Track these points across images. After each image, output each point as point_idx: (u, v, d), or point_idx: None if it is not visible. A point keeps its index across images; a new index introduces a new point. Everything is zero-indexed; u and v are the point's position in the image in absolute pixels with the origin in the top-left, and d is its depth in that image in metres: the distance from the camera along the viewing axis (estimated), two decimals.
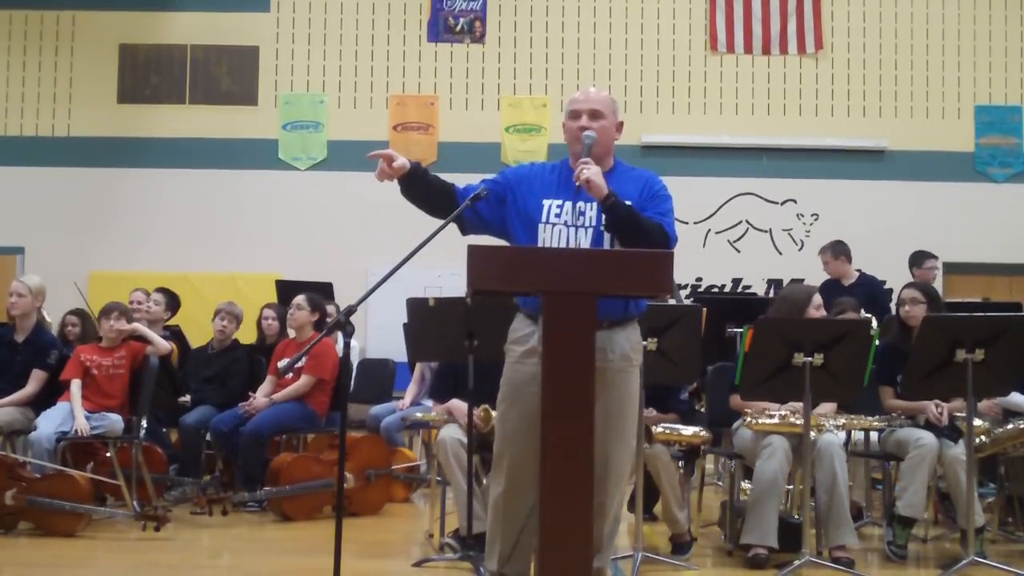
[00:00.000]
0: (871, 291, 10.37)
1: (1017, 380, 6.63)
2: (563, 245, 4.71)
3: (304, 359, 8.29)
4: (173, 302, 9.60)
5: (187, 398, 8.88)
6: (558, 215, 4.77)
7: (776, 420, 6.59)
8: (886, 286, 12.86)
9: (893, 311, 8.57)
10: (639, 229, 4.57)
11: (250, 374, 9.00)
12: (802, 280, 11.02)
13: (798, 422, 6.50)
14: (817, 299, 6.87)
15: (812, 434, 6.44)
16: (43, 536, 7.22)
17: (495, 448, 4.82)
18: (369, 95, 13.89)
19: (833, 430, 6.61)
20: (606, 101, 4.90)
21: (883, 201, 13.53)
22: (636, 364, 4.76)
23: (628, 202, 4.64)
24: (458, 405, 6.75)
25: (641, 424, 6.20)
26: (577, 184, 4.57)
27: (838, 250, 10.89)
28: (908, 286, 7.54)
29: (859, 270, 10.91)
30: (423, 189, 4.86)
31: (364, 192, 13.27)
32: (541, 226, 4.78)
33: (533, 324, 4.68)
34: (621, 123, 4.96)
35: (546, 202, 4.80)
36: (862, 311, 8.87)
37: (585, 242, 4.70)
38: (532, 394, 4.40)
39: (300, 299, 8.73)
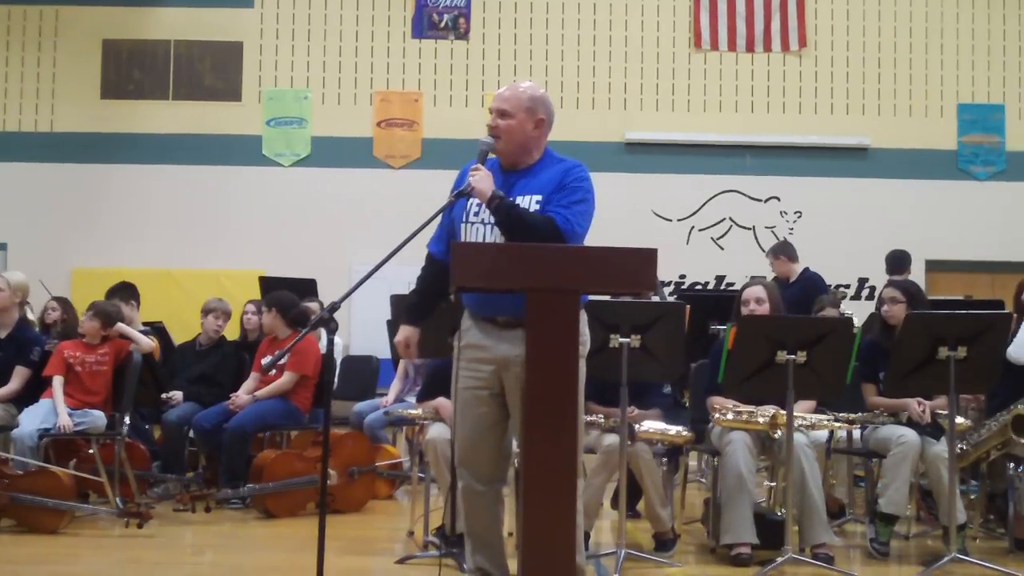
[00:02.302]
0: (806, 287, 10.50)
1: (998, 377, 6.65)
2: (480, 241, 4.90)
3: (287, 356, 8.27)
4: (126, 293, 9.43)
5: (172, 394, 8.84)
6: (476, 213, 4.94)
7: (742, 417, 6.60)
8: (868, 283, 12.94)
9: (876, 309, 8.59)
10: (523, 226, 4.73)
11: (238, 371, 8.99)
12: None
13: (760, 420, 6.53)
14: (749, 293, 6.98)
15: (779, 434, 6.46)
16: (25, 533, 7.20)
17: None
18: (353, 91, 13.87)
19: (803, 430, 6.60)
20: (516, 99, 4.96)
21: (866, 198, 13.56)
22: None
23: (523, 200, 4.84)
24: (445, 403, 6.75)
25: (624, 420, 6.21)
26: (468, 190, 4.83)
27: (777, 250, 11.19)
28: (888, 285, 7.58)
29: (806, 268, 10.96)
30: (435, 301, 5.16)
31: (348, 188, 13.36)
32: (463, 225, 4.97)
33: (469, 320, 4.92)
34: (541, 119, 4.97)
35: (469, 201, 4.95)
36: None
37: (500, 239, 4.82)
38: (462, 389, 4.87)
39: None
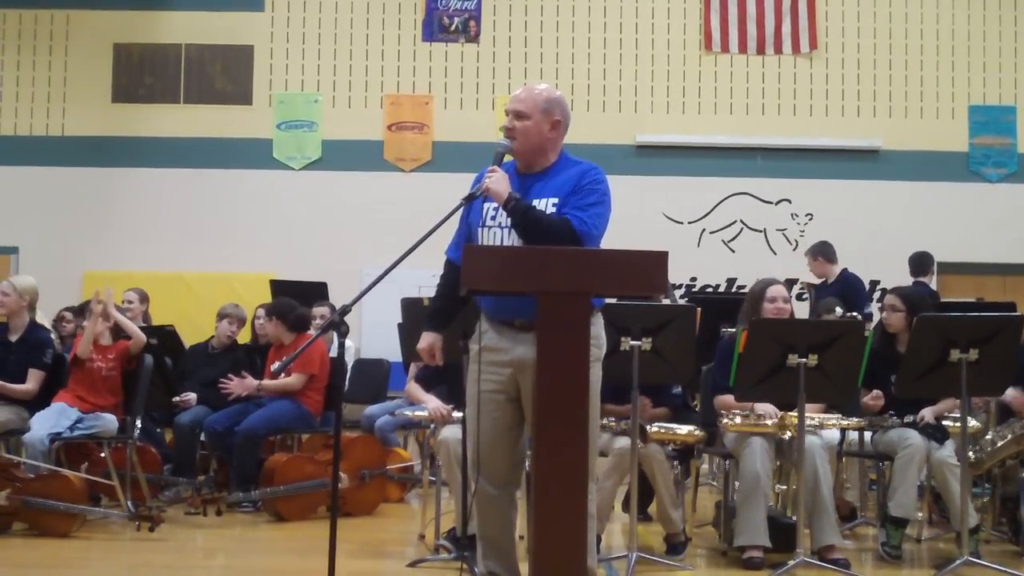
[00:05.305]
0: (844, 288, 10.61)
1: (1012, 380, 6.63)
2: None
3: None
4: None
5: (186, 396, 8.83)
6: (494, 217, 4.93)
7: (750, 420, 6.58)
8: (880, 286, 12.90)
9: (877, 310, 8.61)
10: (539, 228, 4.72)
11: (250, 374, 8.99)
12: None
13: (768, 423, 6.52)
14: (771, 291, 6.88)
15: (788, 435, 6.44)
16: (37, 537, 7.20)
17: None
18: (364, 94, 13.88)
19: (814, 431, 6.59)
20: (533, 100, 4.95)
21: (877, 201, 13.54)
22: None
23: (539, 202, 4.83)
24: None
25: (635, 423, 6.21)
26: (483, 192, 4.82)
27: (816, 251, 11.28)
28: (891, 292, 7.53)
29: (845, 268, 11.00)
30: (456, 307, 5.14)
31: (358, 191, 13.36)
32: (480, 229, 4.95)
33: (486, 323, 4.92)
34: (557, 120, 4.96)
35: (486, 205, 4.94)
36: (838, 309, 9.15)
37: (518, 243, 4.81)
38: (476, 392, 4.83)
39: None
